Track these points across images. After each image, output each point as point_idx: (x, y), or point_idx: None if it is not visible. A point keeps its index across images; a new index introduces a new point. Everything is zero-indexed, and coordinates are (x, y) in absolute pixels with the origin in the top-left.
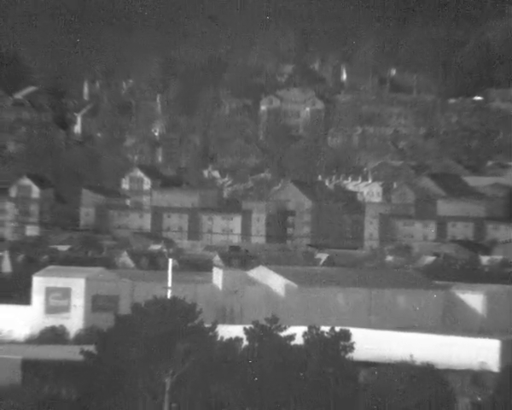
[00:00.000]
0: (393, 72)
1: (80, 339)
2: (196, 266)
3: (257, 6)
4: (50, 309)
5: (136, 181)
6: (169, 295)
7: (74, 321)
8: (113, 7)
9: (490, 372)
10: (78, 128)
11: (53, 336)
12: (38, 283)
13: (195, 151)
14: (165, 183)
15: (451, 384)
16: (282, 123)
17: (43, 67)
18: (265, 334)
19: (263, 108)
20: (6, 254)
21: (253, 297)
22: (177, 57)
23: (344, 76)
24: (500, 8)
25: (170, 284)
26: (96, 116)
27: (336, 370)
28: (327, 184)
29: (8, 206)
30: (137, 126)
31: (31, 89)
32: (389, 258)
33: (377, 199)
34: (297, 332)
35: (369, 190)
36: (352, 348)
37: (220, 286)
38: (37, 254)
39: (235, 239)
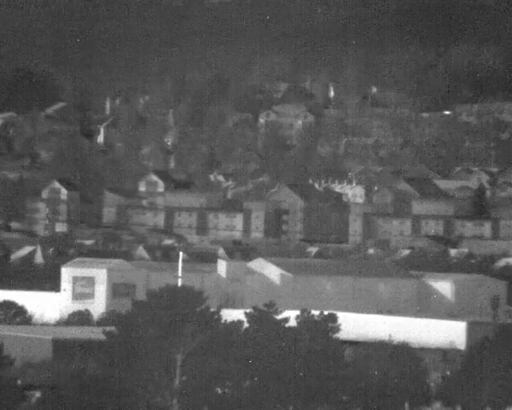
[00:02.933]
0: (374, 89)
1: (102, 321)
2: (203, 258)
3: (257, 32)
4: (77, 296)
5: (152, 184)
6: (179, 283)
7: (97, 306)
8: (133, 36)
9: (457, 350)
10: (101, 138)
11: (79, 318)
12: (66, 272)
13: (203, 158)
14: (176, 186)
15: (424, 361)
16: (277, 134)
17: (71, 86)
18: (263, 317)
19: (261, 121)
20: (38, 248)
21: (253, 285)
22: (186, 77)
23: (331, 93)
24: (464, 36)
25: (180, 273)
26: (117, 128)
27: (324, 348)
28: (317, 186)
29: (41, 206)
30: (152, 137)
31: (60, 104)
32: (371, 251)
33: (360, 200)
34: (291, 315)
35: (353, 192)
36: (338, 329)
37: (224, 275)
38: (66, 248)
39: (237, 235)
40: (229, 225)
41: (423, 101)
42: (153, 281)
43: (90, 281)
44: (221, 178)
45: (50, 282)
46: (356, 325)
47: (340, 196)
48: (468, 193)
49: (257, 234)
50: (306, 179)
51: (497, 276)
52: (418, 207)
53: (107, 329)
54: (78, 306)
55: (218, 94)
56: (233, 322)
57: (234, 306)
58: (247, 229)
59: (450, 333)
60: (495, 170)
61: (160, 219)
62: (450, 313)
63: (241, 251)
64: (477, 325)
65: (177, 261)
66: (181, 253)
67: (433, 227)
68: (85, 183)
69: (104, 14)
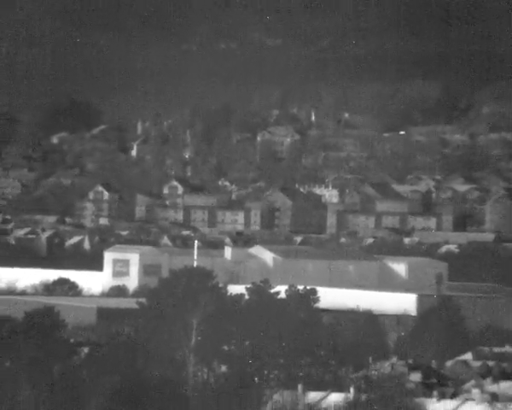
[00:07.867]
0: (346, 115)
1: (136, 294)
2: (213, 246)
3: (255, 71)
4: (116, 274)
5: (173, 188)
6: (195, 264)
7: (132, 282)
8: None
9: (409, 316)
10: (134, 153)
11: (118, 292)
12: (108, 256)
13: (213, 168)
14: (192, 189)
15: (384, 324)
16: (271, 149)
17: (110, 112)
18: (260, 291)
19: (258, 139)
20: (86, 237)
21: (252, 266)
22: (200, 105)
23: (313, 117)
24: (416, 73)
25: (195, 257)
26: (146, 145)
27: (307, 315)
28: (302, 190)
29: (88, 205)
30: (174, 152)
31: (102, 127)
32: (343, 240)
33: (335, 200)
34: (281, 290)
35: (329, 194)
36: (317, 300)
37: (230, 259)
38: (107, 237)
39: (240, 227)
40: (233, 220)
41: (384, 123)
42: (174, 263)
43: (126, 263)
44: (227, 183)
45: (95, 263)
46: (331, 297)
47: (319, 197)
48: (419, 195)
49: (255, 227)
50: (294, 184)
51: (440, 259)
52: (380, 206)
53: (139, 300)
54: (117, 282)
55: (224, 118)
56: (236, 295)
57: (237, 282)
58: (247, 223)
59: (404, 303)
60: (439, 177)
61: (180, 216)
62: (404, 288)
63: (242, 240)
64: (425, 297)
65: (193, 248)
66: (196, 241)
67: (392, 221)
68: (122, 187)
69: (137, 56)
